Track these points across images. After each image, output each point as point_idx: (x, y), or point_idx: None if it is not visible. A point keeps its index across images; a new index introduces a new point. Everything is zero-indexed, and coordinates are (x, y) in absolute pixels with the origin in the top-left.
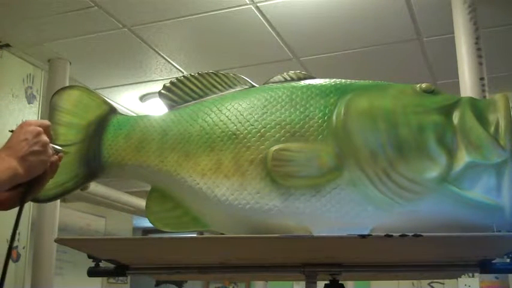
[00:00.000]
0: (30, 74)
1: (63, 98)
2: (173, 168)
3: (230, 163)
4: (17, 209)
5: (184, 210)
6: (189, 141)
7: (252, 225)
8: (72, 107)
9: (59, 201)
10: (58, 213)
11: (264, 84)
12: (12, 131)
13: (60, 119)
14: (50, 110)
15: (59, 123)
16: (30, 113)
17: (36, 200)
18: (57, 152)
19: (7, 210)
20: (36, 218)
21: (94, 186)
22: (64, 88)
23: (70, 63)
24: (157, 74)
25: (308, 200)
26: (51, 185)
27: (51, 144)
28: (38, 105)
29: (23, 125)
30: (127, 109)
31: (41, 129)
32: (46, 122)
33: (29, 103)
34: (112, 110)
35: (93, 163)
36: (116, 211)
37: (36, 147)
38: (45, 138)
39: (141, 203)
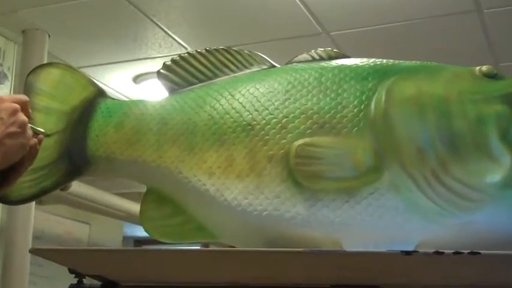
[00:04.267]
0: (0, 48)
1: (40, 78)
2: (174, 166)
3: (244, 160)
4: None
5: (186, 217)
6: (194, 133)
7: (270, 237)
8: (51, 88)
9: (33, 203)
10: (33, 217)
11: (286, 64)
12: None
13: (37, 103)
14: (25, 92)
15: (35, 108)
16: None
17: (5, 201)
18: (36, 133)
19: None
20: (6, 223)
21: (77, 186)
22: (42, 66)
23: (49, 35)
24: (155, 50)
25: (339, 207)
26: (24, 182)
27: (30, 125)
28: (9, 86)
29: None
30: (118, 92)
31: (17, 106)
32: (23, 97)
33: None
34: (100, 93)
35: (76, 157)
36: (103, 216)
37: (13, 128)
38: (23, 116)
39: (134, 207)
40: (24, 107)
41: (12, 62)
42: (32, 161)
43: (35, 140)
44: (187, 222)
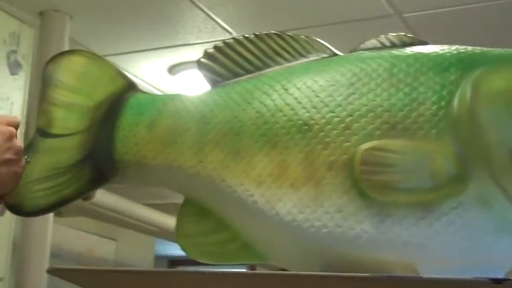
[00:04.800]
0: (14, 33)
1: (60, 68)
2: (216, 172)
3: (299, 167)
4: None
5: (230, 234)
6: (240, 134)
7: (330, 259)
8: (73, 80)
9: (51, 215)
10: (50, 232)
11: (351, 51)
12: None
13: (56, 97)
14: (43, 84)
15: (54, 103)
16: (14, 88)
17: (19, 211)
18: None
19: None
20: (20, 238)
21: (101, 195)
22: (62, 54)
23: (71, 17)
24: (194, 35)
25: (414, 225)
26: (41, 190)
27: None
28: (24, 78)
29: None
30: (150, 85)
31: (14, 130)
32: (16, 119)
33: (12, 74)
34: (130, 86)
35: (101, 161)
36: (132, 232)
37: (8, 155)
38: (18, 142)
39: (168, 221)
40: (16, 130)
41: (28, 49)
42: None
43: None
44: (232, 239)
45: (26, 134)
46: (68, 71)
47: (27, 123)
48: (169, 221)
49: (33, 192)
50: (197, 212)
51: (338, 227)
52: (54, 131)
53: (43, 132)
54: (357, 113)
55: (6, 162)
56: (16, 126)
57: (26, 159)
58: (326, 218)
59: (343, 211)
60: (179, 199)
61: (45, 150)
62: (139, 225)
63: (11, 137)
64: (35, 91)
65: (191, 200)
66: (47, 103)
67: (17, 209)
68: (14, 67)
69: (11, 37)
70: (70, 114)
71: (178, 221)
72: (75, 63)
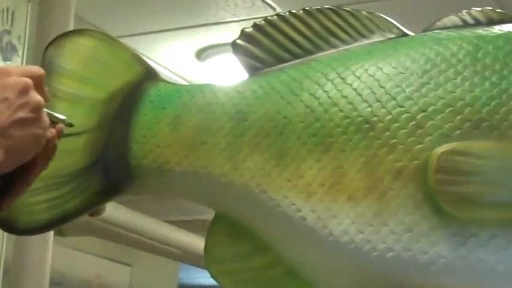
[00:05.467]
0: (7, 9)
1: (64, 52)
2: (255, 182)
3: (359, 175)
4: None
5: (272, 257)
6: (285, 133)
7: None
8: (80, 68)
9: (51, 233)
10: (50, 254)
11: (424, 31)
12: None
13: (59, 88)
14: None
15: (57, 95)
16: None
17: (11, 228)
18: (55, 122)
19: None
20: (13, 262)
21: (113, 210)
22: (66, 35)
23: None
24: (228, 12)
25: (504, 248)
26: (38, 203)
27: (45, 110)
28: (20, 64)
29: None
30: (174, 73)
31: (29, 81)
32: (37, 69)
33: (5, 59)
34: (149, 75)
35: (114, 167)
36: (150, 255)
37: (22, 113)
38: (36, 97)
39: (195, 242)
40: (39, 84)
41: (24, 29)
42: (48, 163)
43: (53, 131)
44: (274, 264)
45: None
46: (73, 56)
47: None
48: (197, 242)
49: (29, 205)
50: (231, 230)
51: (407, 250)
52: None
53: None
54: (432, 108)
55: (20, 122)
56: (35, 78)
57: (64, 120)
58: (392, 239)
59: (413, 231)
60: (209, 215)
61: None
62: (159, 247)
63: (26, 90)
64: None
65: (223, 215)
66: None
67: (9, 226)
68: (7, 51)
69: (4, 14)
70: (76, 109)
71: (207, 242)
72: (82, 46)
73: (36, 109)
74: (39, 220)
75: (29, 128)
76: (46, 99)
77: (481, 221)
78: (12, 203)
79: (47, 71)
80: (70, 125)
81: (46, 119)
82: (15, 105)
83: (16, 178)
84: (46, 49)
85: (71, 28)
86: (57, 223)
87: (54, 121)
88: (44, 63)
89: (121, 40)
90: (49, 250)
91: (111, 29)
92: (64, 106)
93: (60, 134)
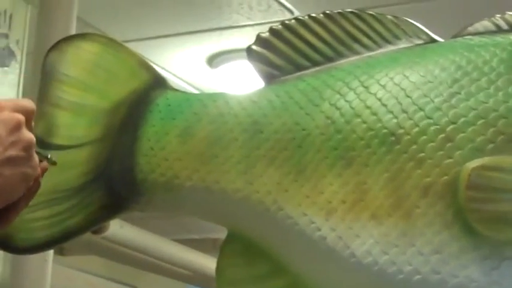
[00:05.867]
0: (5, 12)
1: (66, 58)
2: (271, 198)
3: (383, 191)
4: None
5: (289, 280)
6: (304, 146)
7: None
8: (83, 74)
9: (51, 252)
10: (49, 275)
11: (454, 36)
12: None
13: (60, 97)
14: (43, 79)
15: (58, 104)
16: (3, 85)
17: (8, 247)
18: (40, 159)
19: None
20: (10, 282)
21: (117, 228)
22: (68, 39)
23: None
24: (242, 15)
25: None
26: (37, 220)
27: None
28: (18, 71)
29: None
30: (184, 81)
31: (22, 118)
32: (29, 104)
33: (2, 65)
34: (158, 82)
35: (119, 182)
36: (157, 276)
37: (13, 151)
38: (29, 135)
39: (206, 262)
40: (29, 119)
41: (23, 32)
42: (30, 199)
43: (38, 169)
44: (291, 287)
45: None
46: (75, 62)
47: None
48: (207, 263)
49: (27, 222)
50: (245, 250)
51: (435, 273)
52: (57, 141)
53: (42, 143)
54: (462, 120)
55: (11, 161)
56: (27, 113)
57: (49, 159)
58: (419, 260)
59: (442, 252)
60: (221, 233)
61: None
62: (166, 268)
63: (18, 127)
64: (32, 88)
65: (237, 234)
66: (47, 104)
67: (6, 244)
68: (4, 56)
69: (1, 17)
70: (78, 119)
71: (219, 262)
72: (86, 51)
73: (28, 147)
74: (38, 238)
75: (19, 167)
76: (34, 135)
77: None
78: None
79: (47, 78)
80: (54, 164)
81: (36, 158)
82: (7, 143)
83: (2, 214)
84: (47, 54)
85: (73, 32)
86: (58, 241)
87: (41, 157)
88: (45, 69)
89: (127, 45)
90: (48, 270)
91: (116, 33)
92: (65, 116)
93: (44, 173)
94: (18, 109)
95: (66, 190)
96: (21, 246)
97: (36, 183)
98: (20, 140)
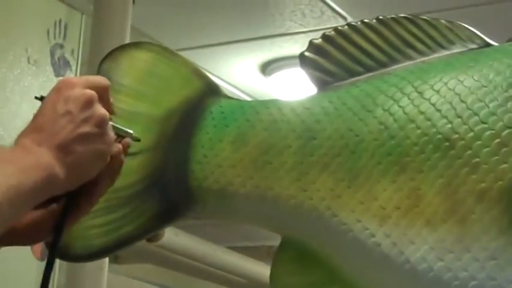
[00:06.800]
0: (60, 21)
1: (120, 67)
2: (325, 205)
3: (438, 197)
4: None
5: (344, 287)
6: (358, 152)
7: None
8: (137, 83)
9: (107, 261)
10: (105, 283)
11: (508, 41)
12: (41, 98)
13: (115, 105)
14: None
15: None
16: None
17: (65, 255)
18: (120, 135)
19: (29, 245)
20: None
21: (172, 236)
22: (122, 48)
23: (133, 0)
24: (295, 22)
25: None
26: (93, 228)
27: (111, 123)
28: None
29: (61, 87)
30: (237, 88)
31: (94, 93)
32: (102, 80)
33: (57, 75)
34: (211, 90)
35: (173, 190)
36: (212, 284)
37: (86, 128)
38: (101, 110)
39: (260, 269)
40: (104, 96)
41: (78, 42)
42: (113, 181)
43: (119, 146)
44: None
45: None
46: (129, 71)
47: None
48: (262, 270)
49: (82, 230)
50: (299, 257)
51: (491, 279)
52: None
53: None
54: None
55: (84, 137)
56: (101, 89)
57: (131, 134)
58: (475, 267)
59: (498, 258)
60: (276, 240)
61: None
62: (221, 276)
63: (90, 103)
64: None
65: (290, 241)
66: None
67: (64, 252)
68: (59, 66)
69: (56, 27)
70: (132, 128)
71: (273, 269)
72: (139, 60)
73: (101, 123)
74: (93, 246)
75: (92, 143)
76: (111, 112)
77: None
78: (76, 224)
79: None
80: (137, 140)
81: (111, 134)
82: (78, 119)
83: (80, 197)
84: (101, 63)
85: (127, 41)
86: (113, 249)
87: (120, 135)
88: None
89: (181, 53)
90: (104, 278)
91: (170, 42)
92: (119, 124)
93: (126, 150)
94: (90, 85)
95: (121, 198)
96: (78, 254)
97: (118, 161)
98: (92, 116)
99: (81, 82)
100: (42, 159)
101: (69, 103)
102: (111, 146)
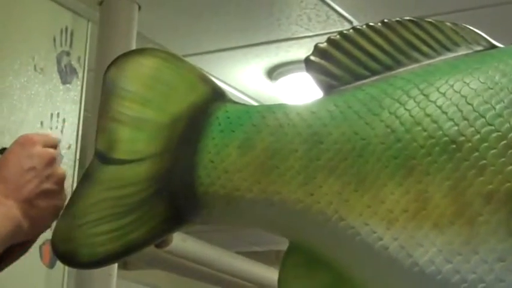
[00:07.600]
0: (66, 29)
1: (126, 73)
2: (332, 208)
3: (445, 199)
4: None
5: None
6: (364, 156)
7: None
8: (143, 89)
9: (115, 267)
10: None
11: None
12: (2, 150)
13: (121, 112)
14: (103, 95)
15: (119, 120)
16: (66, 101)
17: (71, 262)
18: None
19: None
20: None
21: (180, 241)
22: (129, 54)
23: (139, 7)
24: (301, 27)
25: None
26: (101, 234)
27: None
28: (80, 87)
29: (24, 143)
30: (243, 93)
31: (55, 153)
32: (53, 137)
33: (64, 82)
34: (217, 95)
35: (180, 196)
36: None
37: (48, 185)
38: (61, 169)
39: (269, 274)
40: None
41: (84, 49)
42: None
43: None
44: None
45: (81, 160)
46: (136, 77)
47: (83, 146)
48: (271, 275)
49: (90, 237)
50: (307, 261)
51: (500, 281)
52: (118, 155)
53: (104, 158)
54: None
55: (46, 193)
56: (54, 146)
57: None
58: (483, 269)
59: (506, 260)
60: (284, 245)
61: (106, 181)
62: (230, 281)
63: (51, 162)
64: (93, 105)
65: (298, 245)
66: (108, 119)
67: (71, 259)
68: (66, 74)
69: (63, 34)
70: (138, 134)
71: (281, 274)
72: (145, 66)
73: (60, 181)
74: (101, 252)
75: (52, 199)
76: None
77: None
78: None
79: (108, 94)
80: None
81: (66, 192)
82: (43, 175)
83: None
84: (107, 70)
85: (133, 47)
86: (120, 255)
87: None
88: (105, 85)
89: (187, 59)
90: (113, 284)
91: (176, 48)
92: (126, 131)
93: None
94: (48, 144)
95: (128, 204)
96: (85, 261)
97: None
98: (54, 174)
99: (38, 138)
100: (10, 212)
101: (33, 159)
102: (65, 202)
